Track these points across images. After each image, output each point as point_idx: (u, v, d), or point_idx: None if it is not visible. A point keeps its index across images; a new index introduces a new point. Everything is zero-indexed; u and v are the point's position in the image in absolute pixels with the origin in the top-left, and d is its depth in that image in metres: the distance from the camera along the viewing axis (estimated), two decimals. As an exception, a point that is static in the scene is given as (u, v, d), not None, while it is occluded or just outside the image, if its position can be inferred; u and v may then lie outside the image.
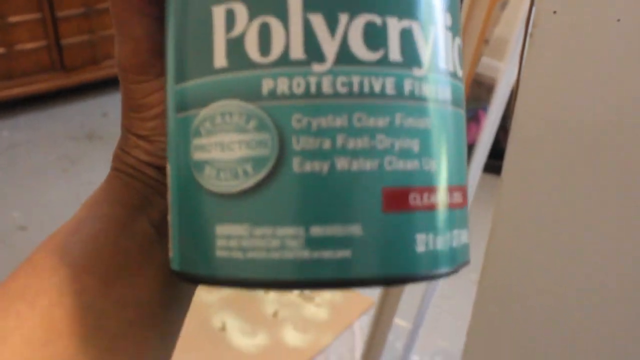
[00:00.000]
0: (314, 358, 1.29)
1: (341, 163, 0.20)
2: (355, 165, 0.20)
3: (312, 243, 0.20)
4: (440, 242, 0.22)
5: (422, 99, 0.21)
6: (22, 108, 2.54)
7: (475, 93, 2.20)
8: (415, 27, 0.21)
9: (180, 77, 0.23)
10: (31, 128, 2.41)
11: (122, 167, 0.28)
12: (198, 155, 0.22)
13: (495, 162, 1.76)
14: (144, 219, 0.27)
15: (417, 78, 0.21)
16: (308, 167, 0.20)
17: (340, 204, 0.20)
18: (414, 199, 0.21)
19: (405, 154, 0.21)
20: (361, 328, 1.38)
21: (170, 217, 0.24)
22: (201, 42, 0.22)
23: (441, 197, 0.22)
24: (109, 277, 0.24)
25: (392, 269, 0.20)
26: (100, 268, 0.24)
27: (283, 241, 0.20)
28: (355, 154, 0.20)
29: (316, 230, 0.20)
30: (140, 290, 0.25)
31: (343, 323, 1.38)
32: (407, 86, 0.21)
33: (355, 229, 0.20)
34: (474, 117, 2.23)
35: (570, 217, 0.51)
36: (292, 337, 1.32)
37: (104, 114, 2.57)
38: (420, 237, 0.21)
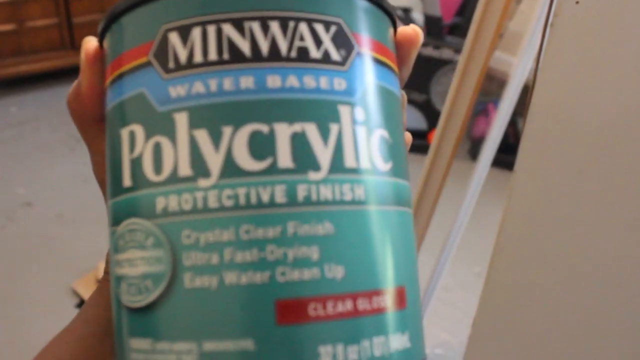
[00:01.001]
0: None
1: (230, 277, 0.20)
2: (244, 279, 0.20)
3: (206, 359, 0.20)
4: (353, 353, 0.20)
5: (320, 203, 0.21)
6: (31, 85, 2.54)
7: (486, 87, 2.19)
8: (310, 129, 0.21)
9: (110, 194, 0.24)
10: (39, 105, 2.42)
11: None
12: (117, 271, 0.23)
13: (504, 156, 1.76)
14: None
15: (313, 182, 0.21)
16: (198, 282, 0.20)
17: (231, 319, 0.20)
18: (314, 310, 0.20)
19: (301, 263, 0.20)
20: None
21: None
22: (116, 163, 0.23)
23: (352, 305, 0.21)
24: None
25: None
26: None
27: (179, 356, 0.20)
28: (244, 267, 0.20)
29: (208, 346, 0.20)
30: None
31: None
32: (301, 192, 0.21)
33: (248, 344, 0.20)
34: (483, 110, 2.23)
35: (582, 212, 0.51)
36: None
37: (112, 94, 2.57)
38: (325, 349, 0.20)
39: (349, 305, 0.21)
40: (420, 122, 2.32)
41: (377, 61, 0.23)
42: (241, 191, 0.20)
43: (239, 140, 0.21)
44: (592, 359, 0.53)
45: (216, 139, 0.21)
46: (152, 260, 0.21)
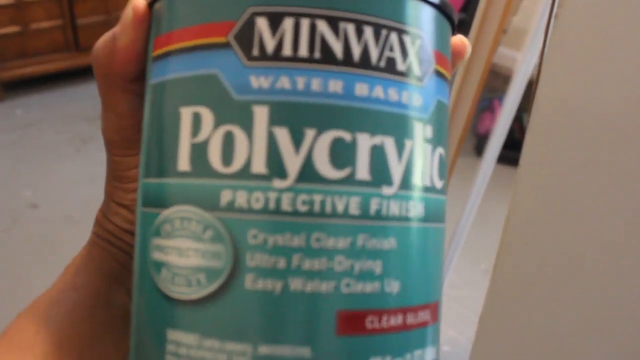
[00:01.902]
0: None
1: (295, 284, 0.20)
2: (310, 287, 0.20)
3: None
4: None
5: (389, 218, 0.21)
6: (36, 87, 2.54)
7: (491, 83, 2.18)
8: (388, 143, 0.21)
9: (147, 172, 0.22)
10: (44, 107, 2.42)
11: (102, 233, 0.28)
12: (156, 256, 0.22)
13: (509, 152, 1.75)
14: (122, 289, 0.27)
15: (385, 197, 0.21)
16: (261, 284, 0.20)
17: (291, 325, 0.20)
18: (371, 322, 0.20)
19: (365, 276, 0.20)
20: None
21: (132, 309, 0.23)
22: (168, 142, 0.22)
23: (402, 319, 0.21)
24: (84, 353, 0.25)
25: None
26: (77, 343, 0.25)
27: (230, 356, 0.20)
28: (310, 275, 0.20)
29: (264, 350, 0.20)
30: (117, 354, 0.25)
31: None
32: (374, 206, 0.20)
33: (305, 352, 0.20)
34: (489, 106, 2.22)
35: (587, 207, 0.50)
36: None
37: (117, 95, 2.57)
38: None
39: (400, 319, 0.21)
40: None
41: (441, 75, 0.23)
42: (317, 198, 0.20)
43: (321, 145, 0.20)
44: (599, 355, 0.52)
45: (297, 140, 0.20)
46: (208, 254, 0.20)
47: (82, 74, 2.65)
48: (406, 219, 0.21)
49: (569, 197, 0.50)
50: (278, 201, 0.20)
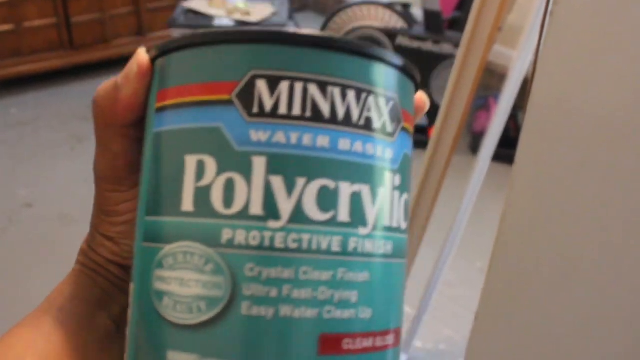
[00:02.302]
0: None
1: (284, 310, 0.23)
2: (297, 313, 0.23)
3: None
4: None
5: (363, 255, 0.24)
6: (31, 86, 2.54)
7: (487, 81, 2.18)
8: (365, 190, 0.24)
9: (151, 210, 0.25)
10: (39, 106, 2.41)
11: (87, 262, 0.31)
12: (159, 285, 0.24)
13: (504, 150, 1.75)
14: (104, 314, 0.29)
15: (361, 236, 0.24)
16: (255, 311, 0.23)
17: (280, 346, 0.23)
18: (347, 344, 0.23)
19: (344, 304, 0.23)
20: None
21: (128, 331, 0.26)
22: (172, 185, 0.24)
23: (373, 341, 0.24)
24: None
25: None
26: (62, 358, 0.26)
27: None
28: (298, 303, 0.23)
29: None
30: None
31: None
32: (352, 244, 0.24)
33: None
34: (484, 105, 2.22)
35: (583, 205, 0.50)
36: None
37: (112, 93, 2.57)
38: None
39: (370, 342, 0.24)
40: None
41: (407, 131, 0.27)
42: (305, 237, 0.23)
43: (310, 192, 0.23)
44: (594, 353, 0.52)
45: (290, 187, 0.23)
46: (209, 284, 0.23)
47: (77, 72, 2.64)
48: (376, 255, 0.25)
49: (564, 195, 0.50)
50: (272, 239, 0.23)
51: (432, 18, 2.17)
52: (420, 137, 2.28)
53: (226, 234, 0.23)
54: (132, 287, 0.26)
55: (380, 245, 0.25)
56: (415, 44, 2.18)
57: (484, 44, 0.69)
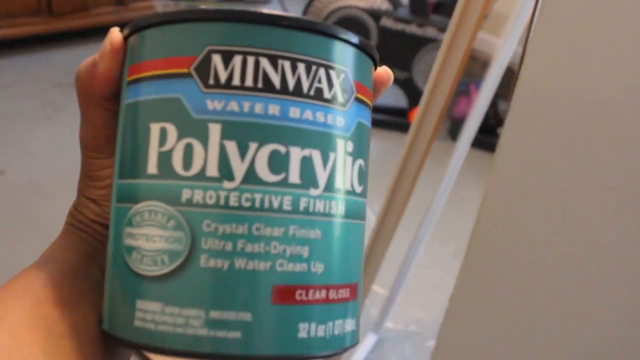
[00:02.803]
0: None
1: (239, 263, 0.25)
2: (251, 265, 0.25)
3: (210, 324, 0.25)
4: (321, 330, 0.27)
5: (315, 214, 0.26)
6: (7, 51, 2.49)
7: (469, 68, 2.19)
8: (315, 155, 0.26)
9: (122, 174, 0.28)
10: (15, 72, 2.37)
11: (74, 222, 0.34)
12: (128, 241, 0.27)
13: (484, 137, 1.76)
14: (94, 265, 0.32)
15: (312, 197, 0.26)
16: (212, 263, 0.25)
17: (235, 295, 0.25)
18: (300, 295, 0.26)
19: (295, 258, 0.26)
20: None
21: (105, 283, 0.29)
22: (140, 150, 0.27)
23: (325, 294, 0.27)
24: (66, 308, 0.29)
25: (277, 350, 0.25)
26: (59, 300, 0.29)
27: (187, 320, 0.25)
28: (251, 256, 0.25)
29: (214, 314, 0.25)
30: (91, 318, 0.29)
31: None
32: (302, 203, 0.26)
33: (246, 316, 0.25)
34: (465, 91, 2.24)
35: (564, 192, 0.51)
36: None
37: (91, 62, 2.53)
38: (303, 326, 0.26)
39: (323, 294, 0.27)
40: (401, 100, 2.32)
41: (362, 102, 0.29)
42: (257, 196, 0.25)
43: (261, 155, 0.25)
44: (570, 339, 0.54)
45: (243, 151, 0.25)
46: (171, 239, 0.25)
47: (54, 39, 2.60)
48: (329, 214, 0.27)
49: (545, 182, 0.51)
50: (227, 198, 0.25)
51: (417, 1, 2.17)
52: (402, 120, 2.29)
53: (185, 194, 0.25)
54: (108, 244, 0.29)
55: (332, 205, 0.27)
56: (400, 26, 2.18)
57: (471, 30, 0.69)
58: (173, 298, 0.25)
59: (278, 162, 0.26)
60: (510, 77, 0.78)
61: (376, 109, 2.30)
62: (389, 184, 0.92)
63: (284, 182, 0.26)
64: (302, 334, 0.26)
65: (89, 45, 2.67)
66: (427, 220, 1.18)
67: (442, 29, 2.13)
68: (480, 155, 1.94)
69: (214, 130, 0.25)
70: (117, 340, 0.27)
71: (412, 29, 2.16)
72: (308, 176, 0.26)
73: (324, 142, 0.27)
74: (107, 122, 0.31)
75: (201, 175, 0.25)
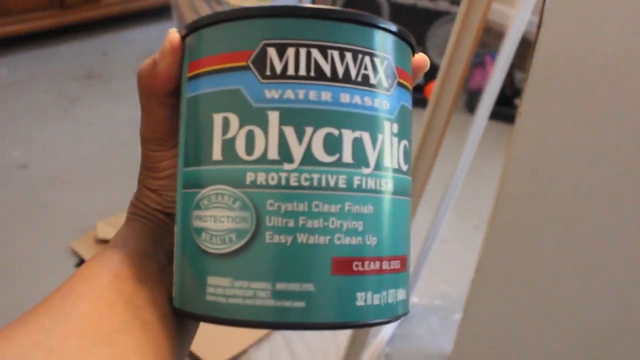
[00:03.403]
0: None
1: (301, 237, 0.27)
2: (312, 240, 0.27)
3: (277, 295, 0.27)
4: (377, 299, 0.29)
5: (367, 191, 0.29)
6: (21, 46, 2.50)
7: (483, 39, 2.16)
8: (365, 136, 0.29)
9: (188, 162, 0.30)
10: (30, 66, 2.39)
11: (137, 212, 0.36)
12: (197, 223, 0.29)
13: (500, 109, 1.75)
14: (160, 250, 0.34)
15: (364, 175, 0.28)
16: (276, 239, 0.27)
17: (299, 268, 0.27)
18: (356, 266, 0.28)
19: (352, 232, 0.28)
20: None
21: (174, 266, 0.31)
22: (204, 139, 0.29)
23: (379, 265, 0.29)
24: (141, 284, 0.31)
25: (337, 318, 0.28)
26: (134, 277, 0.31)
27: (255, 292, 0.27)
28: (312, 231, 0.27)
29: (280, 286, 0.27)
30: (161, 296, 0.32)
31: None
32: (356, 182, 0.28)
33: (309, 287, 0.27)
34: (480, 62, 2.22)
35: (585, 160, 0.51)
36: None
37: (104, 53, 2.54)
38: (360, 295, 0.28)
39: (377, 265, 0.29)
40: (415, 75, 2.30)
41: (404, 86, 0.31)
42: (315, 176, 0.28)
43: (317, 138, 0.28)
44: (595, 302, 0.54)
45: (300, 135, 0.28)
46: (237, 219, 0.28)
47: (67, 32, 2.61)
48: (380, 191, 0.29)
49: (566, 150, 0.51)
50: (287, 179, 0.27)
51: (426, -26, 2.14)
52: (417, 95, 2.27)
53: (249, 177, 0.28)
54: (176, 228, 0.31)
55: (382, 183, 0.29)
56: (411, 1, 2.16)
57: (484, 2, 0.68)
58: (241, 273, 0.28)
59: (332, 144, 0.28)
60: (525, 48, 0.77)
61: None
62: (411, 158, 0.92)
63: (339, 162, 0.28)
64: (360, 302, 0.28)
65: (101, 36, 2.68)
66: (448, 195, 1.18)
67: (454, 2, 2.11)
68: (498, 126, 1.92)
69: (273, 117, 0.28)
70: (190, 315, 0.29)
71: (424, 2, 2.14)
72: (360, 156, 0.28)
73: (372, 124, 0.29)
74: (167, 117, 0.33)
75: (263, 159, 0.28)
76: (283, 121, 0.28)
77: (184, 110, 0.31)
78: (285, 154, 0.27)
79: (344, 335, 1.26)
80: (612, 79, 0.47)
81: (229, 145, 0.28)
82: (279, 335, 1.25)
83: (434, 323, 1.34)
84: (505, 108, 2.01)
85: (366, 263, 0.28)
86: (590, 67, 0.47)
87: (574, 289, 0.54)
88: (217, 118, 0.29)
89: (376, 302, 0.29)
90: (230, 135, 0.28)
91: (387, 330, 1.30)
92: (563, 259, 0.54)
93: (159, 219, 0.36)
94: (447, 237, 1.56)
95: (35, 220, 1.58)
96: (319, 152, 0.28)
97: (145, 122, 0.34)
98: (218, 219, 0.28)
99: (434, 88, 0.79)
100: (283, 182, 0.27)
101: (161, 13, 2.75)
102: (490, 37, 2.10)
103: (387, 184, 0.29)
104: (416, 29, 2.18)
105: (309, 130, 0.28)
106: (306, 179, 0.27)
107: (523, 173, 0.54)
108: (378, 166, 0.29)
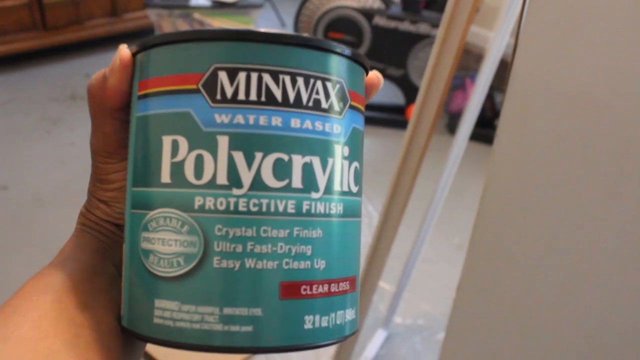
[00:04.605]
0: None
1: (249, 262, 0.27)
2: (260, 265, 0.27)
3: (224, 320, 0.27)
4: (325, 321, 0.29)
5: (317, 215, 0.29)
6: (3, 67, 2.49)
7: (464, 62, 2.20)
8: (315, 161, 0.29)
9: (136, 182, 0.30)
10: (12, 88, 2.38)
11: (86, 222, 0.36)
12: (145, 245, 0.29)
13: (481, 130, 1.77)
14: (109, 262, 0.34)
15: (313, 200, 0.28)
16: (224, 264, 0.27)
17: (246, 292, 0.27)
18: (305, 290, 0.28)
19: (300, 256, 0.28)
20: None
21: (122, 283, 0.31)
22: (153, 161, 0.29)
23: (327, 288, 0.29)
24: (86, 302, 0.31)
25: (285, 342, 0.28)
26: (79, 295, 0.31)
27: (202, 317, 0.27)
28: (260, 256, 0.27)
29: (227, 311, 0.27)
30: (108, 313, 0.31)
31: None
32: (305, 206, 0.28)
33: (257, 311, 0.27)
34: (461, 85, 2.24)
35: (563, 180, 0.52)
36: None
37: (87, 74, 2.53)
38: (308, 318, 0.28)
39: (326, 288, 0.29)
40: (397, 97, 2.32)
41: (356, 109, 0.31)
42: (264, 201, 0.27)
43: (267, 164, 0.28)
44: (576, 325, 0.54)
45: (249, 160, 0.27)
46: (185, 243, 0.28)
47: (49, 53, 2.60)
48: (329, 215, 0.29)
49: (544, 171, 0.52)
50: (236, 204, 0.27)
51: (408, -2, 2.17)
52: (399, 116, 2.29)
53: (198, 201, 0.27)
54: (124, 247, 0.31)
55: (331, 207, 0.29)
56: (393, 24, 2.18)
57: (464, 23, 0.70)
58: (189, 297, 0.27)
59: (282, 169, 0.28)
60: (505, 69, 0.79)
61: (374, 107, 2.30)
62: (390, 181, 0.93)
63: (288, 188, 0.28)
64: (308, 325, 0.28)
65: (84, 58, 2.68)
66: (429, 215, 1.19)
67: (435, 25, 2.14)
68: (479, 147, 1.94)
69: (223, 141, 0.27)
70: (138, 337, 0.29)
71: (405, 26, 2.17)
72: (309, 181, 0.28)
73: (323, 148, 0.29)
74: (117, 131, 0.33)
75: (212, 184, 0.27)
76: (233, 146, 0.27)
77: (134, 129, 0.31)
78: (234, 179, 0.27)
79: (327, 352, 1.26)
80: (587, 102, 0.48)
81: (177, 169, 0.28)
82: (262, 358, 1.25)
83: (416, 344, 1.34)
84: (486, 129, 2.03)
85: (314, 287, 0.28)
86: (566, 90, 0.48)
87: (557, 306, 0.55)
88: (167, 140, 0.28)
89: (324, 324, 0.29)
90: (179, 158, 0.28)
91: (371, 351, 1.29)
92: (544, 277, 0.55)
93: (109, 230, 0.35)
94: (430, 258, 1.57)
95: (17, 242, 1.57)
96: (268, 178, 0.28)
97: (95, 134, 0.34)
98: (166, 242, 0.28)
99: (414, 109, 0.81)
100: (232, 207, 0.27)
101: (144, 35, 2.76)
102: (471, 60, 2.13)
103: (337, 207, 0.30)
104: (398, 52, 2.20)
105: (258, 155, 0.27)
106: (255, 204, 0.27)
107: (502, 193, 0.55)
108: (328, 190, 0.29)
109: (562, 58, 0.47)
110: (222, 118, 0.28)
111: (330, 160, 0.29)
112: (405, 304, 1.41)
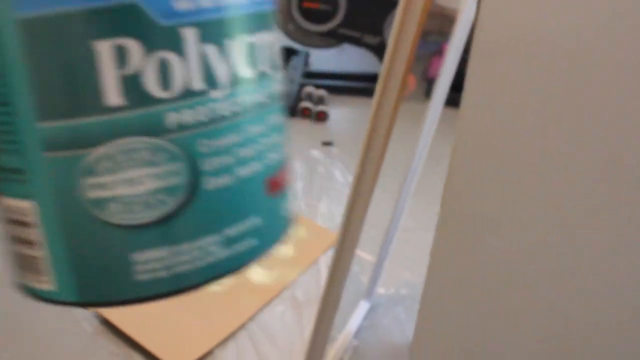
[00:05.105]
0: (280, 294, 1.30)
1: (242, 171, 0.24)
2: (248, 170, 0.24)
3: (229, 242, 0.24)
4: (290, 208, 0.29)
5: (277, 99, 0.26)
6: None
7: (441, 26, 2.17)
8: (275, 40, 0.25)
9: (49, 114, 0.21)
10: None
11: None
12: (96, 194, 0.22)
13: (457, 95, 1.74)
14: None
15: (275, 84, 0.26)
16: (220, 182, 0.23)
17: (245, 204, 0.24)
18: (282, 180, 0.27)
19: (275, 147, 0.26)
20: (327, 263, 1.39)
21: (44, 252, 0.23)
22: (81, 80, 0.21)
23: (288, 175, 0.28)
24: None
25: (282, 236, 0.26)
26: None
27: (205, 249, 0.24)
28: (247, 160, 0.24)
29: (230, 231, 0.24)
30: None
31: (308, 259, 1.39)
32: (275, 93, 0.26)
33: (257, 220, 0.25)
34: (438, 50, 2.22)
35: (530, 147, 0.50)
36: (257, 274, 1.32)
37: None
38: (285, 205, 0.27)
39: (288, 175, 0.28)
40: (374, 65, 2.30)
41: None
42: (246, 98, 0.23)
43: (238, 53, 0.23)
44: (549, 288, 0.53)
45: (224, 52, 0.22)
46: (166, 174, 0.22)
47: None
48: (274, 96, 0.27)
49: (513, 132, 0.50)
50: (219, 110, 0.23)
51: (383, -36, 2.14)
52: (375, 85, 2.27)
53: (171, 118, 0.22)
54: (30, 207, 0.23)
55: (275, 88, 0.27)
56: (367, -9, 2.15)
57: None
58: (183, 234, 0.23)
59: (252, 57, 0.24)
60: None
61: (351, 76, 2.28)
62: (361, 144, 0.91)
63: (264, 76, 0.25)
64: (290, 215, 0.28)
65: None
66: (407, 182, 1.17)
67: (411, -10, 2.11)
68: (456, 113, 1.93)
69: (190, 35, 0.22)
70: (109, 304, 0.24)
71: (380, -8, 2.14)
72: (274, 66, 0.26)
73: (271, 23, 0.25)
74: None
75: (186, 93, 0.22)
76: (204, 38, 0.22)
77: (12, 40, 0.21)
78: (212, 80, 0.22)
79: (308, 323, 1.25)
80: (555, 56, 0.46)
81: (132, 83, 0.21)
82: (245, 335, 1.24)
83: (400, 313, 1.33)
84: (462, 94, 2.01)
85: (286, 174, 0.27)
86: (531, 46, 0.46)
87: (530, 269, 0.54)
88: (104, 47, 0.20)
89: (291, 209, 0.28)
90: (131, 69, 0.21)
91: (353, 323, 1.29)
92: (516, 240, 0.54)
93: None
94: (410, 226, 1.56)
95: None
96: (243, 70, 0.23)
97: None
98: (135, 182, 0.22)
99: (380, 72, 0.78)
100: (214, 114, 0.22)
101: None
102: (448, 25, 2.10)
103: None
104: (374, 19, 2.17)
105: (229, 44, 0.22)
106: (235, 104, 0.23)
107: (470, 155, 0.53)
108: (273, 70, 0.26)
109: (526, 11, 0.45)
110: (185, 4, 0.21)
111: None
112: (386, 274, 1.40)
